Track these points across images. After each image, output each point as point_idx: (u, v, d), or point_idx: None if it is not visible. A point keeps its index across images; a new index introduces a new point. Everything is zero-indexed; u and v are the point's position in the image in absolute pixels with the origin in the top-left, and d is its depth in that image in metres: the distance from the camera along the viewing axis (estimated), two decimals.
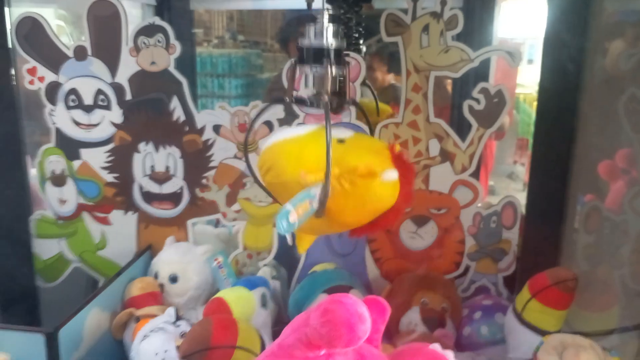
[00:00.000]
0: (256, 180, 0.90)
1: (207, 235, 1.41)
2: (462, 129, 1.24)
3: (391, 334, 1.15)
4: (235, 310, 1.06)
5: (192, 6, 1.78)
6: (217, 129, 1.29)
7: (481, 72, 1.40)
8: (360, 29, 1.19)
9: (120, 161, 1.33)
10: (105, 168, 1.34)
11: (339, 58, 0.84)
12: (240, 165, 1.30)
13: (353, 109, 1.21)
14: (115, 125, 1.31)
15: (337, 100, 0.86)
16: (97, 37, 1.26)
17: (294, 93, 0.89)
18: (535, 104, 1.20)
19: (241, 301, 1.10)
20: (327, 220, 0.77)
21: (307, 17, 0.84)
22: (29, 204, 1.37)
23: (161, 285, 1.26)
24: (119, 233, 1.38)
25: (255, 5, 1.93)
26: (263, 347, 0.97)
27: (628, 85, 1.03)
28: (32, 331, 0.97)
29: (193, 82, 1.93)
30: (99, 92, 1.29)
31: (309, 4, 0.86)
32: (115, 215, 1.37)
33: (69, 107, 1.30)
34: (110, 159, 1.33)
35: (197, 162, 1.31)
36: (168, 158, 1.32)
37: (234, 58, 3.72)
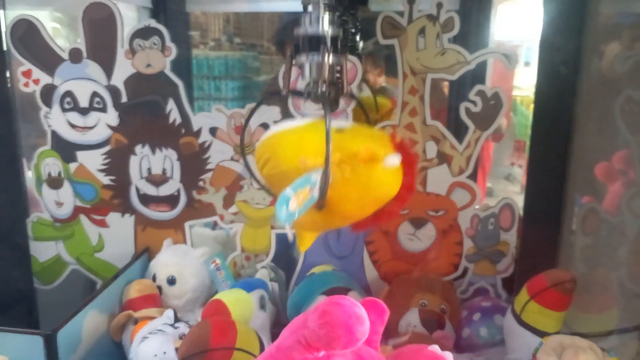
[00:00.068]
0: (252, 175, 0.89)
1: (204, 237, 1.41)
2: (459, 131, 1.24)
3: (390, 335, 1.15)
4: (234, 312, 1.06)
5: (188, 8, 1.78)
6: (213, 131, 1.29)
7: (478, 75, 1.40)
8: (358, 31, 1.19)
9: (117, 164, 1.32)
10: (101, 170, 1.33)
11: (336, 46, 0.83)
12: (237, 167, 1.30)
13: (350, 111, 1.21)
14: (111, 127, 1.30)
15: (334, 92, 0.85)
16: (92, 39, 1.26)
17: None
18: (532, 106, 1.21)
19: (239, 303, 1.10)
20: (328, 213, 0.75)
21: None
22: (25, 206, 1.36)
23: (159, 288, 1.26)
24: (116, 235, 1.37)
25: (251, 8, 1.93)
26: (262, 349, 0.96)
27: (624, 87, 1.03)
28: (31, 333, 0.97)
29: (189, 84, 1.92)
30: (95, 94, 1.29)
31: (305, 7, 0.86)
32: (113, 217, 1.36)
33: (64, 110, 1.29)
34: (106, 161, 1.33)
35: (193, 164, 1.31)
36: (165, 160, 1.31)
37: (230, 60, 3.72)
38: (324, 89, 0.81)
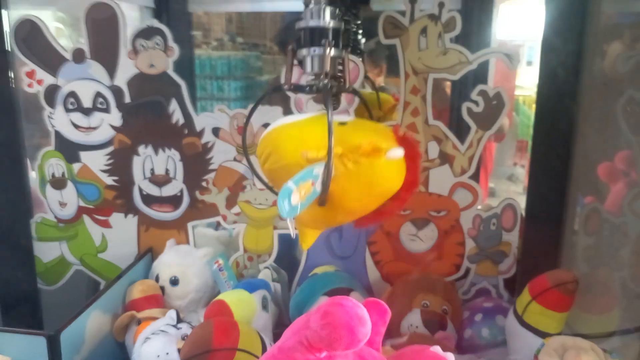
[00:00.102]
0: (255, 174, 0.88)
1: (207, 237, 1.41)
2: (461, 131, 1.24)
3: (392, 336, 1.15)
4: (236, 313, 1.06)
5: (190, 8, 1.78)
6: (216, 131, 1.29)
7: (480, 74, 1.40)
8: (360, 31, 1.19)
9: (120, 164, 1.33)
10: (105, 171, 1.34)
11: (337, 39, 0.83)
12: (240, 167, 1.30)
13: (352, 111, 1.21)
14: (114, 128, 1.31)
15: (336, 86, 0.84)
16: (95, 39, 1.26)
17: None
18: (534, 106, 1.21)
19: (242, 304, 1.10)
20: (331, 209, 0.75)
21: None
22: (29, 207, 1.37)
23: (162, 288, 1.26)
24: (119, 236, 1.38)
25: (254, 8, 1.93)
26: (264, 350, 0.97)
27: (626, 87, 1.03)
28: (34, 334, 0.97)
29: (192, 84, 1.93)
30: (98, 95, 1.29)
31: (307, 2, 0.86)
32: (116, 218, 1.37)
33: (68, 110, 1.30)
34: (110, 162, 1.33)
35: (196, 164, 1.31)
36: (168, 161, 1.32)
37: (233, 60, 3.72)
38: (325, 82, 0.80)
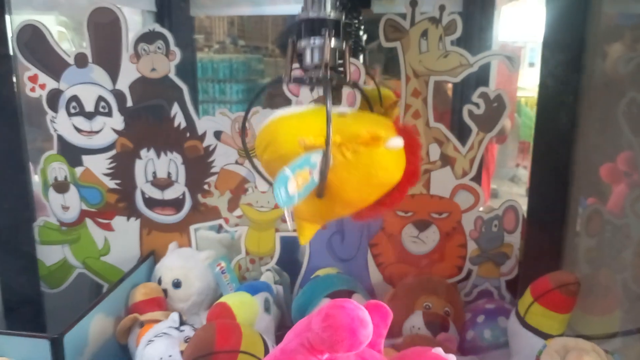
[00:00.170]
0: (257, 171, 0.87)
1: (209, 240, 1.41)
2: (462, 133, 1.24)
3: (394, 338, 1.15)
4: (239, 315, 1.06)
5: (192, 12, 1.79)
6: (218, 134, 1.30)
7: (482, 76, 1.40)
8: (361, 35, 1.19)
9: (122, 168, 1.33)
10: (107, 174, 1.34)
11: (338, 30, 0.82)
12: (242, 170, 1.31)
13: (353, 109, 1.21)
14: (116, 132, 1.31)
15: (336, 78, 0.83)
16: (97, 44, 1.27)
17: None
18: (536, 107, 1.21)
19: (244, 306, 1.10)
20: (329, 201, 0.74)
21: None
22: (32, 210, 1.38)
23: (164, 291, 1.26)
24: (122, 239, 1.38)
25: (255, 11, 1.93)
26: (266, 352, 0.97)
27: (628, 88, 1.03)
28: (37, 337, 0.98)
29: (194, 87, 1.93)
30: (100, 99, 1.29)
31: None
32: (118, 221, 1.37)
33: (70, 114, 1.30)
34: (112, 165, 1.34)
35: (198, 168, 1.32)
36: (170, 164, 1.32)
37: (235, 63, 3.73)
38: (325, 72, 0.79)
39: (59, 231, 1.38)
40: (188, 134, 1.30)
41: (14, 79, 1.28)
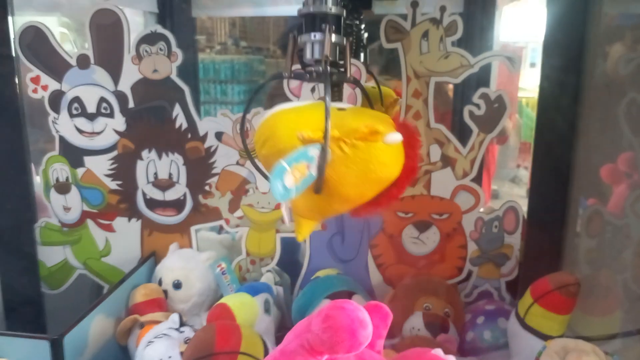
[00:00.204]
0: (252, 161, 0.87)
1: (210, 241, 1.42)
2: (463, 134, 1.25)
3: (394, 339, 1.15)
4: (239, 316, 1.06)
5: (194, 13, 1.79)
6: (219, 136, 1.30)
7: (483, 77, 1.40)
8: (362, 36, 1.19)
9: (124, 169, 1.34)
10: (108, 175, 1.34)
11: (339, 26, 0.82)
12: (243, 171, 1.31)
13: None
14: (118, 133, 1.31)
15: (337, 74, 0.83)
16: (99, 45, 1.27)
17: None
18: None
19: (244, 307, 1.11)
20: (327, 196, 0.73)
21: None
22: (33, 211, 1.38)
23: (165, 292, 1.27)
24: (123, 240, 1.38)
25: (257, 12, 1.93)
26: (266, 353, 0.97)
27: (628, 89, 1.03)
28: (38, 338, 0.98)
29: (196, 88, 1.93)
30: (102, 100, 1.30)
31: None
32: (119, 222, 1.38)
33: (72, 116, 1.31)
34: (113, 166, 1.34)
35: (199, 169, 1.32)
36: (171, 165, 1.32)
37: (236, 64, 3.73)
38: (325, 66, 0.78)
39: (60, 232, 1.39)
40: (189, 135, 1.30)
41: (16, 80, 1.28)
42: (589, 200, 1.17)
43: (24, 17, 1.28)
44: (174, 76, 1.27)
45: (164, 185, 1.34)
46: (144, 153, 1.32)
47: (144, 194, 1.35)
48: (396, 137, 0.72)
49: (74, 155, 1.34)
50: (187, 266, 1.28)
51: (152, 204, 1.35)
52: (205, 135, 1.30)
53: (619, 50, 1.08)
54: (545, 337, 1.00)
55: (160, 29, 1.25)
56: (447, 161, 1.25)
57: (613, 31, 1.13)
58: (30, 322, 1.38)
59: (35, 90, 1.29)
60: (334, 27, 0.81)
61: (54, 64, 1.28)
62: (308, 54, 0.83)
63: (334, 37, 0.81)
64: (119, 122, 1.31)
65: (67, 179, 1.35)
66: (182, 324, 1.10)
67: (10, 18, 1.25)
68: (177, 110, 1.29)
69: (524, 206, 1.26)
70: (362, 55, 1.20)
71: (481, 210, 1.27)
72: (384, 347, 0.79)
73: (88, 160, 1.34)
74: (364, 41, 1.21)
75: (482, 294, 1.31)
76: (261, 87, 0.93)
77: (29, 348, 0.97)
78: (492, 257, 1.29)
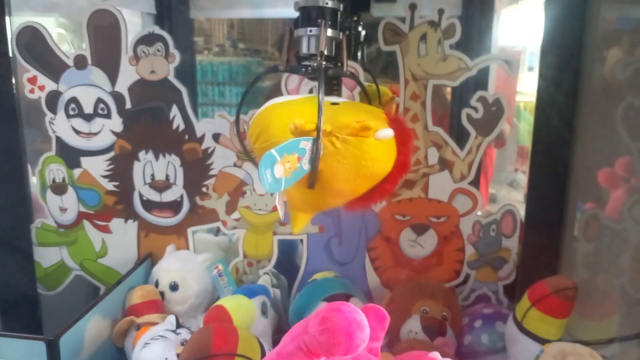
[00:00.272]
0: (248, 155, 0.86)
1: (207, 243, 1.41)
2: (461, 137, 1.25)
3: (392, 342, 1.15)
4: (236, 319, 1.06)
5: (192, 15, 1.79)
6: (216, 137, 1.30)
7: (481, 80, 1.40)
8: (360, 38, 1.19)
9: (121, 170, 1.33)
10: (105, 176, 1.34)
11: (335, 20, 0.82)
12: (240, 173, 1.31)
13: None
14: (115, 134, 1.31)
15: (333, 67, 0.83)
16: (97, 46, 1.27)
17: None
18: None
19: (241, 309, 1.10)
20: (320, 190, 0.73)
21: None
22: (29, 212, 1.37)
23: (162, 293, 1.26)
24: (119, 241, 1.38)
25: (255, 14, 1.93)
26: (263, 355, 0.97)
27: (626, 93, 1.03)
28: (33, 339, 0.97)
29: (193, 90, 1.93)
30: (99, 100, 1.29)
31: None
32: (116, 223, 1.37)
33: (69, 116, 1.30)
34: (110, 167, 1.33)
35: (197, 170, 1.32)
36: (168, 166, 1.32)
37: (234, 66, 3.73)
38: (320, 60, 0.78)
39: (57, 233, 1.38)
40: (187, 137, 1.30)
41: (13, 81, 1.28)
42: (586, 205, 1.17)
43: (22, 18, 1.28)
44: (171, 77, 1.27)
45: (161, 186, 1.33)
46: (141, 154, 1.32)
47: (141, 195, 1.34)
48: (387, 133, 0.73)
49: (70, 155, 1.33)
50: (184, 268, 1.28)
51: (148, 205, 1.35)
52: (203, 136, 1.30)
53: (617, 54, 1.08)
54: (542, 341, 1.00)
55: (157, 30, 1.25)
56: (444, 164, 1.25)
57: (611, 35, 1.13)
58: (26, 323, 1.37)
59: (32, 91, 1.29)
60: (330, 22, 0.81)
61: (51, 64, 1.28)
62: (304, 49, 0.83)
63: (330, 32, 0.81)
64: (116, 123, 1.31)
65: (63, 179, 1.35)
66: (178, 325, 1.09)
67: (7, 18, 1.24)
68: (175, 111, 1.29)
69: (521, 210, 1.26)
70: (359, 53, 1.20)
71: (479, 213, 1.27)
72: (382, 350, 0.79)
73: (85, 161, 1.33)
74: (362, 39, 1.21)
75: (480, 298, 1.31)
76: (257, 79, 0.93)
77: (25, 349, 0.97)
78: (490, 260, 1.29)
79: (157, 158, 1.32)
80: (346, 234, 1.31)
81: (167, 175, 1.32)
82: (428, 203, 1.27)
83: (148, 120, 1.30)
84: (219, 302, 1.11)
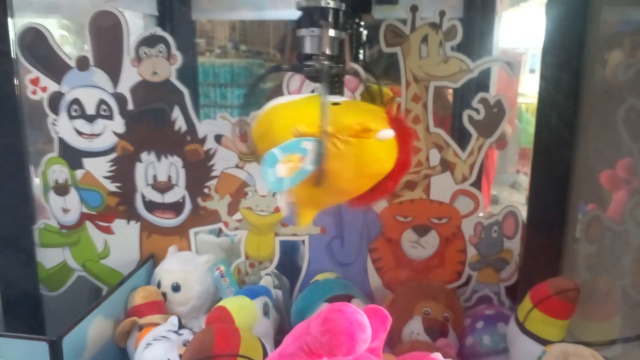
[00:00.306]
0: (253, 154, 0.87)
1: (209, 244, 1.41)
2: (462, 138, 1.25)
3: (394, 343, 1.15)
4: (238, 319, 1.06)
5: (194, 16, 1.79)
6: (218, 138, 1.30)
7: (482, 82, 1.40)
8: (362, 40, 1.20)
9: (123, 171, 1.33)
10: (107, 177, 1.34)
11: (337, 20, 0.83)
12: (242, 174, 1.31)
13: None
14: (117, 135, 1.31)
15: (335, 67, 0.84)
16: (99, 47, 1.27)
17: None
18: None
19: (243, 310, 1.10)
20: (324, 189, 0.74)
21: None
22: (32, 213, 1.38)
23: (164, 294, 1.26)
24: (121, 242, 1.38)
25: (257, 16, 1.94)
26: (265, 356, 0.97)
27: (627, 95, 1.03)
28: (36, 339, 0.97)
29: (195, 91, 1.93)
30: (101, 102, 1.30)
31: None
32: (118, 224, 1.37)
33: (71, 117, 1.31)
34: (112, 168, 1.34)
35: (199, 171, 1.32)
36: (170, 167, 1.32)
37: (236, 68, 3.73)
38: (322, 61, 0.79)
39: (59, 234, 1.38)
40: (189, 138, 1.30)
41: (16, 82, 1.28)
42: (588, 206, 1.17)
43: (24, 19, 1.28)
44: (173, 79, 1.27)
45: (163, 187, 1.34)
46: (143, 155, 1.32)
47: (143, 196, 1.35)
48: (388, 134, 0.74)
49: (73, 157, 1.34)
50: (186, 269, 1.28)
51: (151, 206, 1.35)
52: (205, 138, 1.30)
53: (618, 56, 1.08)
54: (544, 342, 1.00)
55: (159, 32, 1.25)
56: (446, 165, 1.25)
57: (612, 37, 1.13)
58: (29, 324, 1.38)
59: (34, 92, 1.29)
60: (331, 22, 0.81)
61: (54, 66, 1.28)
62: (307, 48, 0.84)
63: (332, 32, 0.81)
64: (118, 124, 1.31)
65: (66, 180, 1.35)
66: (181, 326, 1.09)
67: (10, 19, 1.24)
68: (177, 112, 1.29)
69: (523, 212, 1.26)
70: (361, 54, 1.21)
71: (481, 214, 1.27)
72: (383, 351, 0.79)
73: (87, 162, 1.34)
74: (363, 39, 1.21)
75: (482, 299, 1.31)
76: (260, 79, 0.93)
77: (28, 349, 0.97)
78: (492, 261, 1.29)
79: (159, 159, 1.32)
80: (348, 235, 1.31)
81: (169, 177, 1.33)
82: (430, 204, 1.27)
83: (150, 122, 1.30)
84: (221, 303, 1.11)
